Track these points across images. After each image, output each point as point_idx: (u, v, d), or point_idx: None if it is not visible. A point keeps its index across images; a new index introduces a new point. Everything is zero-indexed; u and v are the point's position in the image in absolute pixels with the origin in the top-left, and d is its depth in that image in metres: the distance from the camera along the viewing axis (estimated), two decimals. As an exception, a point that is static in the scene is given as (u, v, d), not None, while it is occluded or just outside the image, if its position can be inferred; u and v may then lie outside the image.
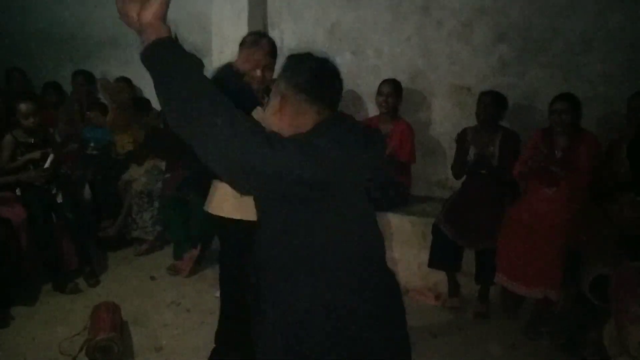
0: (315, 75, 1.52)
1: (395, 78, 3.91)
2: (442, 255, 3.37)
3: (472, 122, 3.64)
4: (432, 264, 3.42)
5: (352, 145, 1.44)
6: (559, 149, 3.21)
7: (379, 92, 3.86)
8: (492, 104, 3.46)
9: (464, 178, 3.65)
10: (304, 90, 1.48)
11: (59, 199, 3.59)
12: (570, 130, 3.18)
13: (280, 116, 1.49)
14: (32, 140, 3.58)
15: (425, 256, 3.46)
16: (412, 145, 3.81)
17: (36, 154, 3.53)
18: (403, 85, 3.90)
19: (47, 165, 3.52)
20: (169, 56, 1.25)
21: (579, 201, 3.11)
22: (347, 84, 4.20)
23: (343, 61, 4.33)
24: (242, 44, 2.43)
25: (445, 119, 4.07)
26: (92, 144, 4.54)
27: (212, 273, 3.87)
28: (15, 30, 5.62)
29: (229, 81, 2.03)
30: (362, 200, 1.56)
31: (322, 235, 1.42)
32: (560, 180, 3.14)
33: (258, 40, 2.43)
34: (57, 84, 5.06)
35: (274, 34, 4.54)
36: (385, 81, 3.88)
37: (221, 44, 4.37)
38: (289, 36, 4.50)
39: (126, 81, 4.71)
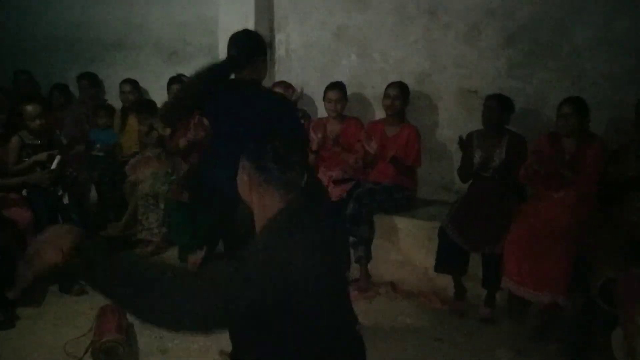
0: (280, 157, 1.50)
1: (401, 81, 3.90)
2: (448, 259, 3.35)
3: (478, 125, 3.62)
4: (438, 267, 3.40)
5: (313, 247, 1.43)
6: (567, 153, 3.19)
7: (386, 95, 3.85)
8: (497, 108, 3.43)
9: (470, 181, 3.64)
10: (269, 177, 1.49)
11: (65, 201, 3.60)
12: (578, 134, 3.17)
13: (250, 193, 1.53)
14: (39, 142, 3.60)
15: (431, 260, 3.44)
16: (418, 149, 3.79)
17: (42, 156, 3.54)
18: (410, 88, 3.89)
19: (53, 166, 3.53)
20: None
21: (586, 205, 3.09)
22: (353, 87, 4.23)
23: (349, 64, 4.34)
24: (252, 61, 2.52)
25: (452, 122, 4.06)
26: (98, 146, 4.55)
27: (217, 275, 3.86)
28: (23, 32, 5.66)
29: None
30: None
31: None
32: (567, 184, 3.12)
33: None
34: (64, 86, 5.09)
35: (280, 37, 4.56)
36: (391, 84, 3.87)
37: (228, 47, 4.37)
38: (295, 39, 4.51)
39: (131, 83, 4.72)
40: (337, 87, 3.93)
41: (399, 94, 3.81)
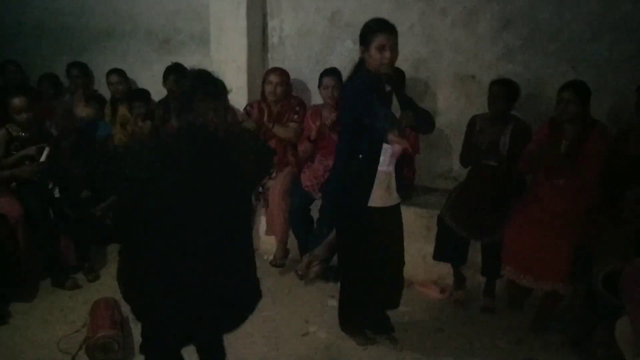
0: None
1: (398, 67, 3.82)
2: (447, 247, 3.31)
3: (477, 111, 3.58)
4: (437, 256, 3.36)
5: None
6: (567, 139, 3.12)
7: (381, 82, 3.77)
8: (503, 93, 3.35)
9: (469, 168, 3.58)
10: None
11: (56, 194, 3.52)
12: (580, 120, 3.09)
13: None
14: (27, 135, 3.51)
15: (429, 248, 3.40)
16: (416, 137, 3.73)
17: (31, 150, 3.45)
18: (406, 74, 3.82)
19: (42, 159, 3.45)
20: None
21: (588, 193, 3.04)
22: (349, 74, 4.15)
23: (344, 50, 4.25)
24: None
25: (450, 108, 3.99)
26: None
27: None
28: (10, 21, 5.54)
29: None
30: None
31: None
32: (567, 172, 3.06)
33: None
34: (53, 76, 4.98)
35: (273, 23, 4.46)
36: (387, 70, 3.78)
37: (219, 34, 4.29)
38: (289, 25, 4.42)
39: (119, 73, 4.62)
40: (333, 73, 3.85)
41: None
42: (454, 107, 3.96)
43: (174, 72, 4.22)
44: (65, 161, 4.10)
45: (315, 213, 3.73)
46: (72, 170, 4.14)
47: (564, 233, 2.91)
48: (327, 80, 3.82)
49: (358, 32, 4.18)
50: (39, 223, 3.41)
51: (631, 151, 2.99)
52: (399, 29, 4.04)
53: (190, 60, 4.57)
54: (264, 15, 4.44)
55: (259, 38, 4.40)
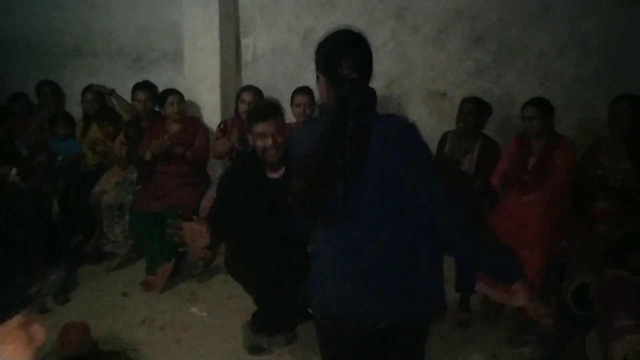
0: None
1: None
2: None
3: (448, 128, 3.61)
4: (411, 272, 3.35)
5: None
6: (534, 154, 3.17)
7: (354, 99, 3.79)
8: (473, 111, 3.38)
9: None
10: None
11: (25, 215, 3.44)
12: (546, 135, 3.15)
13: None
14: (-6, 155, 3.45)
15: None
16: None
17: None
18: (378, 92, 3.77)
19: (10, 179, 3.38)
20: None
21: (558, 207, 3.08)
22: (322, 91, 4.17)
23: (318, 68, 4.27)
24: None
25: (422, 125, 3.90)
26: (60, 158, 4.38)
27: (186, 288, 3.76)
28: (-21, 39, 5.44)
29: None
30: None
31: None
32: (536, 187, 3.10)
33: None
34: (24, 95, 4.90)
35: (246, 41, 4.47)
36: (360, 88, 3.80)
37: (193, 52, 4.28)
38: (262, 44, 4.43)
39: (92, 91, 4.56)
40: (305, 91, 3.86)
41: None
42: (425, 124, 3.96)
43: (144, 89, 4.20)
44: (35, 180, 4.04)
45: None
46: (42, 190, 4.08)
47: (535, 246, 2.94)
48: (299, 99, 3.83)
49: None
50: (6, 244, 3.32)
51: (602, 163, 3.05)
52: (371, 46, 4.11)
53: (163, 78, 4.61)
54: (237, 33, 4.45)
55: (232, 56, 4.40)
